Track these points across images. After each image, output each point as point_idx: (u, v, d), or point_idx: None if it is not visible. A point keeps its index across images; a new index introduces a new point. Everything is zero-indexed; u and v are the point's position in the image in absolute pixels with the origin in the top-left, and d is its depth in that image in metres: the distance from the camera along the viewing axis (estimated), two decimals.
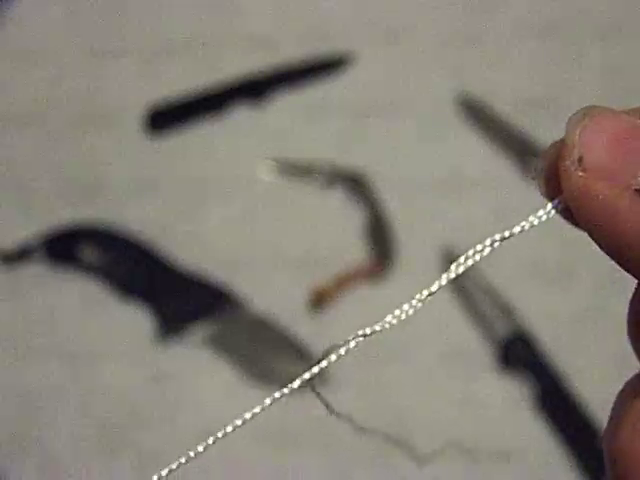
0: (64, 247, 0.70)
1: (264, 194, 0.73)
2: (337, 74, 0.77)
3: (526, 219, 0.24)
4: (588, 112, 0.23)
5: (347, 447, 0.63)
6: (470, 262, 0.24)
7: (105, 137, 0.76)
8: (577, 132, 0.22)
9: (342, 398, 0.64)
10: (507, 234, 0.24)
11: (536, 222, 0.24)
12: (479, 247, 0.24)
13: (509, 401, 0.64)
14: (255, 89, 0.77)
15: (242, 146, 0.75)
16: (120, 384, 0.67)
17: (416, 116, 0.75)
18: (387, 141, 0.74)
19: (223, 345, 0.67)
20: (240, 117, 0.76)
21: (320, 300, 0.67)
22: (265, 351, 0.66)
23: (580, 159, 0.22)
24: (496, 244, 0.24)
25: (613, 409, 0.24)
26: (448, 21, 0.79)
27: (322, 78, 0.77)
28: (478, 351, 0.66)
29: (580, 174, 0.22)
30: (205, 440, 0.25)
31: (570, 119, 0.23)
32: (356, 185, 0.72)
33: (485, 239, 0.24)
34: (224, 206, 0.72)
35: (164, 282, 0.69)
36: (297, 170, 0.73)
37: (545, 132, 0.74)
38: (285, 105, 0.76)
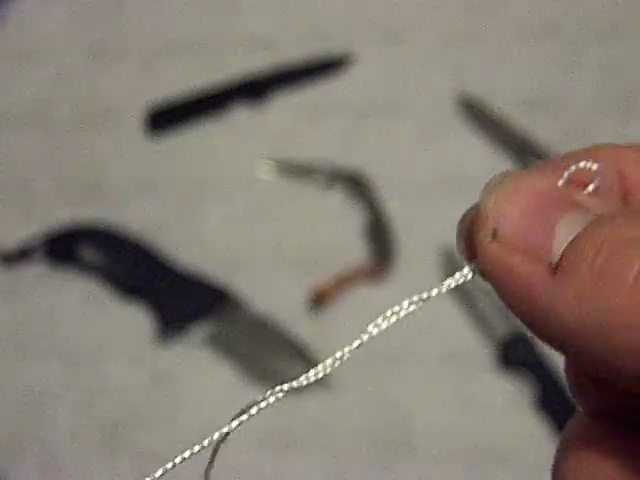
0: (64, 247, 0.70)
1: (264, 194, 0.73)
2: (337, 74, 0.77)
3: (444, 282, 0.24)
4: (504, 178, 0.22)
5: (347, 449, 0.63)
6: (385, 325, 0.24)
7: (105, 137, 0.76)
8: (492, 201, 0.22)
9: (342, 398, 0.64)
10: (425, 296, 0.23)
11: (453, 285, 0.23)
12: (397, 308, 0.24)
13: (509, 401, 0.64)
14: (255, 89, 0.77)
15: (242, 146, 0.75)
16: (120, 384, 0.67)
17: (416, 116, 0.75)
18: (387, 141, 0.74)
19: (223, 345, 0.67)
20: (240, 117, 0.76)
21: (320, 300, 0.67)
22: (265, 351, 0.66)
23: (494, 231, 0.21)
24: (412, 307, 0.24)
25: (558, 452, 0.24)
26: (448, 21, 0.79)
27: (322, 78, 0.77)
28: (478, 351, 0.66)
29: (494, 247, 0.21)
30: (204, 441, 0.25)
31: (486, 185, 0.22)
32: (356, 185, 0.72)
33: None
34: (224, 206, 0.72)
35: (164, 282, 0.69)
36: (297, 170, 0.73)
37: (545, 132, 0.74)
38: (285, 105, 0.76)
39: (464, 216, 0.23)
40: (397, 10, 0.80)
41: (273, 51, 0.79)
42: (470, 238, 0.23)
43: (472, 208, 0.23)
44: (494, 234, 0.21)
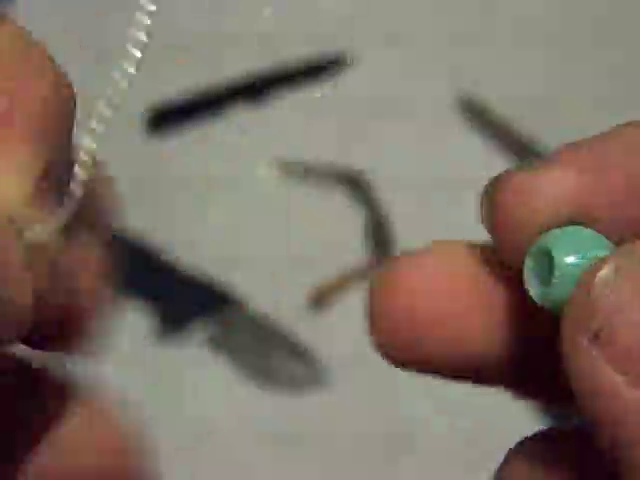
0: None
1: (264, 194, 0.73)
2: (337, 74, 0.77)
3: None
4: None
5: (347, 450, 0.63)
6: None
7: (105, 137, 0.75)
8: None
9: (343, 399, 0.64)
10: None
11: None
12: None
13: (509, 401, 0.64)
14: (255, 89, 0.77)
15: (242, 146, 0.75)
16: (120, 384, 0.67)
17: (416, 116, 0.75)
18: (387, 141, 0.74)
19: (223, 345, 0.67)
20: (240, 117, 0.76)
21: (320, 300, 0.67)
22: (265, 351, 0.66)
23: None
24: None
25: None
26: (448, 21, 0.79)
27: (322, 78, 0.77)
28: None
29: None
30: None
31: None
32: (356, 185, 0.72)
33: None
34: (224, 206, 0.72)
35: (164, 282, 0.69)
36: (297, 170, 0.73)
37: (545, 132, 0.74)
38: (285, 105, 0.76)
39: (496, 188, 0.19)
40: (397, 10, 0.80)
41: (273, 51, 0.79)
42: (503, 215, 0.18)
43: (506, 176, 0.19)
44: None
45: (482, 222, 0.18)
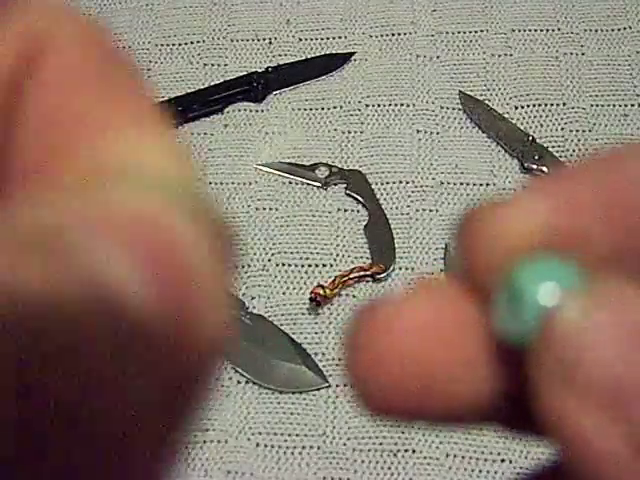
0: None
1: (264, 194, 0.73)
2: (336, 74, 0.77)
3: None
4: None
5: (347, 449, 0.63)
6: None
7: None
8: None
9: (343, 400, 0.64)
10: None
11: None
12: None
13: None
14: (255, 88, 0.77)
15: (242, 146, 0.75)
16: None
17: (416, 116, 0.75)
18: (387, 141, 0.74)
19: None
20: (240, 117, 0.76)
21: (320, 300, 0.67)
22: (265, 351, 0.66)
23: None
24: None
25: None
26: (448, 21, 0.79)
27: (322, 78, 0.77)
28: None
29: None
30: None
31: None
32: (356, 185, 0.72)
33: None
34: (224, 206, 0.72)
35: None
36: (297, 170, 0.73)
37: (545, 132, 0.74)
38: (285, 104, 0.76)
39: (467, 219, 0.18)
40: (397, 10, 0.80)
41: (273, 51, 0.79)
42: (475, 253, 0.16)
43: (474, 208, 0.18)
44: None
45: (456, 254, 0.17)
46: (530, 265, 0.16)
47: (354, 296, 0.68)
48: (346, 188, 0.72)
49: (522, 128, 0.74)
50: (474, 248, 0.16)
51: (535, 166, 0.71)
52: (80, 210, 0.13)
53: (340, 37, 0.79)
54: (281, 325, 0.67)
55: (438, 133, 0.74)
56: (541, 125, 0.74)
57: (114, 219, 0.13)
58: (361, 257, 0.70)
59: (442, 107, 0.75)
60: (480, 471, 0.62)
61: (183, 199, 0.14)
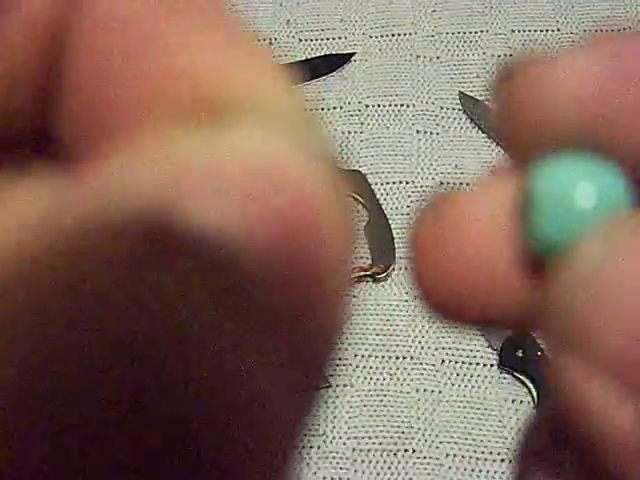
0: None
1: None
2: (337, 74, 0.77)
3: None
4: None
5: (347, 449, 0.63)
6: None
7: None
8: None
9: (343, 400, 0.64)
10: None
11: None
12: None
13: (509, 401, 0.64)
14: None
15: None
16: None
17: (416, 116, 0.75)
18: (387, 140, 0.74)
19: None
20: None
21: None
22: None
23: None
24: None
25: None
26: (448, 21, 0.79)
27: (322, 77, 0.77)
28: (478, 351, 0.66)
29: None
30: None
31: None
32: (356, 185, 0.72)
33: None
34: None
35: None
36: None
37: None
38: None
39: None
40: (397, 10, 0.80)
41: (273, 51, 0.79)
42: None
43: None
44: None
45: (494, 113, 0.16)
46: (568, 160, 0.14)
47: (354, 296, 0.68)
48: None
49: None
50: (523, 104, 0.15)
51: None
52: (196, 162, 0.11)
53: (340, 37, 0.79)
54: None
55: (438, 133, 0.74)
56: None
57: (237, 171, 0.11)
58: (361, 257, 0.70)
59: (442, 107, 0.75)
60: (480, 471, 0.62)
61: (310, 145, 0.12)
